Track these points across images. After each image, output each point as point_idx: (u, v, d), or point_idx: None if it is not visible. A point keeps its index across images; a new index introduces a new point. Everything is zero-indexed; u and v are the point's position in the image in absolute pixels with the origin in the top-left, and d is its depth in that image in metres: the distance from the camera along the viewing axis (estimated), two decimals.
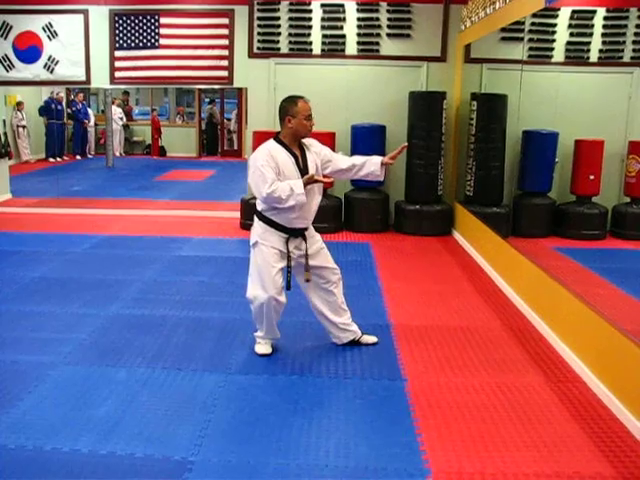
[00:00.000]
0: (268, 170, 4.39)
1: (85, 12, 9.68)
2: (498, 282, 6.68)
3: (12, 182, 11.56)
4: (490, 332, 5.34)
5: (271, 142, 4.57)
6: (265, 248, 4.57)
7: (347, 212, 9.27)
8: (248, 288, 4.70)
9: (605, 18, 6.91)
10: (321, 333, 5.16)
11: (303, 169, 4.56)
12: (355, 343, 4.96)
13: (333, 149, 9.11)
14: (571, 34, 6.83)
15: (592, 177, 7.39)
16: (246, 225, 9.04)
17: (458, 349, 4.94)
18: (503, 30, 7.22)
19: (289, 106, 4.52)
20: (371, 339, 5.03)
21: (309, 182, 4.48)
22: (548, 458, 3.43)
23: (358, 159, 4.82)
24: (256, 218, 4.65)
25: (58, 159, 17.78)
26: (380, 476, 3.26)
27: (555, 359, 4.79)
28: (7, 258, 7.39)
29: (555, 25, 6.78)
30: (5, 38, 9.83)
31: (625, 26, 6.74)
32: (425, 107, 8.98)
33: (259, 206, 4.62)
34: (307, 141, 4.69)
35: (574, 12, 6.85)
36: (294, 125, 4.52)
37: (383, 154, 9.19)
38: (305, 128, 4.56)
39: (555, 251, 7.04)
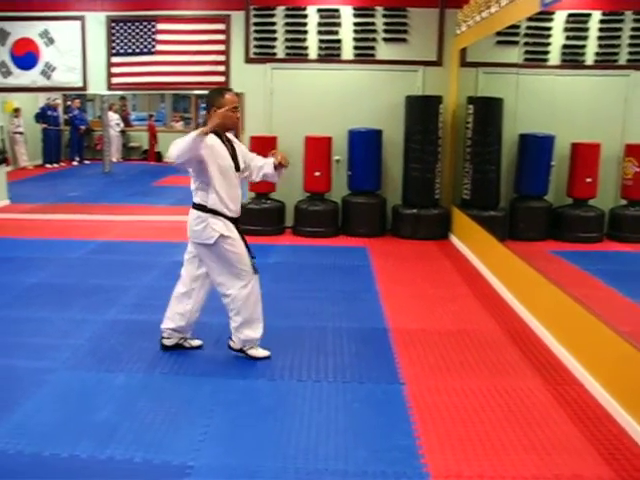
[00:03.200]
0: None
1: (82, 19, 9.68)
2: (495, 285, 6.69)
3: (10, 188, 11.55)
4: (488, 335, 5.34)
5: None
6: (235, 237, 4.62)
7: (344, 216, 9.28)
8: (231, 284, 4.61)
9: (601, 21, 6.93)
10: (318, 337, 5.18)
11: (234, 158, 4.60)
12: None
13: (329, 153, 9.19)
14: (567, 37, 6.84)
15: (589, 180, 7.41)
16: (243, 230, 9.03)
17: (456, 352, 4.95)
18: (499, 34, 7.23)
19: (215, 97, 4.53)
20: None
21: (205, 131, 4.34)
22: (547, 461, 3.43)
23: (262, 160, 4.82)
24: (207, 214, 4.54)
25: (55, 165, 17.80)
26: None
27: (553, 362, 4.80)
28: (5, 264, 7.38)
29: (551, 28, 6.79)
30: (2, 45, 9.83)
31: (620, 29, 6.75)
32: (421, 111, 9.00)
33: (201, 199, 4.55)
34: (230, 136, 4.70)
35: (570, 15, 6.87)
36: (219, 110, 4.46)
37: (380, 158, 9.26)
38: (231, 119, 4.53)
39: (552, 254, 7.04)
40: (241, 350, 4.75)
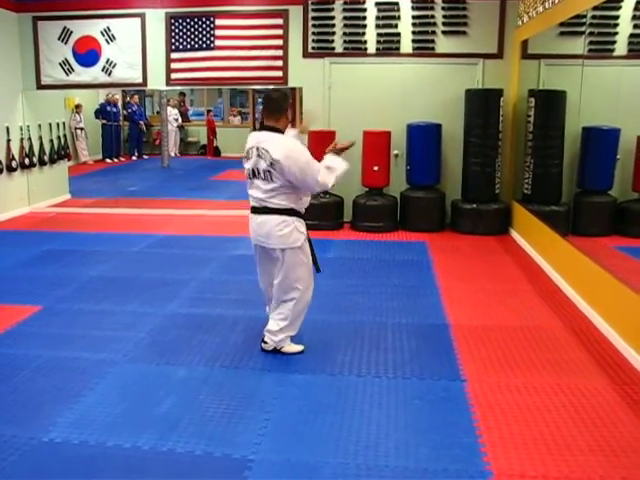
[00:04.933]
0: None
1: (142, 16, 9.80)
2: (557, 281, 6.56)
3: (71, 183, 11.80)
4: (550, 332, 5.24)
5: (281, 135, 4.51)
6: (306, 246, 4.58)
7: (403, 211, 9.22)
8: (305, 291, 4.63)
9: None
10: (377, 332, 5.14)
11: None
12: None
13: (388, 148, 9.13)
14: (635, 26, 6.64)
15: None
16: None
17: (518, 349, 4.86)
18: (562, 25, 7.07)
19: (287, 100, 4.53)
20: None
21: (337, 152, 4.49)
22: (616, 463, 3.34)
23: None
24: (293, 217, 4.49)
25: (115, 160, 18.12)
26: (441, 477, 3.22)
27: (619, 361, 4.67)
28: (66, 257, 7.52)
29: (617, 17, 6.60)
30: (65, 43, 10.01)
31: None
32: (481, 105, 8.89)
33: (287, 203, 4.46)
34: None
35: (639, 3, 6.67)
36: (290, 117, 4.56)
37: (439, 152, 9.17)
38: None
39: (617, 250, 6.87)
40: (275, 350, 4.75)
